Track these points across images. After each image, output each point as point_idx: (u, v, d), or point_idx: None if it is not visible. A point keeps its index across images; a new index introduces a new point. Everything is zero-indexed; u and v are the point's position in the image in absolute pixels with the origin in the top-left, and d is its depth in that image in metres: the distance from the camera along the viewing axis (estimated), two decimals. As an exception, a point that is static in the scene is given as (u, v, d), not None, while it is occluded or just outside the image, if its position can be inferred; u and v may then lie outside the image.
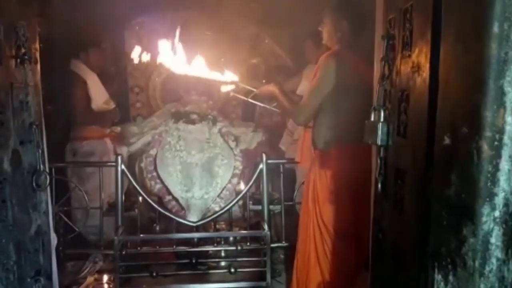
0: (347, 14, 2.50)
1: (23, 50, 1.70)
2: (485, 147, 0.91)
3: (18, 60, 1.68)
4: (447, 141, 1.01)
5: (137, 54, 2.93)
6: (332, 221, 2.43)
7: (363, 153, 1.94)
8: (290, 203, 3.34)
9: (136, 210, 3.13)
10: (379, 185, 1.51)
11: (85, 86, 3.59)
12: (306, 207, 2.57)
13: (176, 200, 3.38)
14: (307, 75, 3.58)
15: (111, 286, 3.06)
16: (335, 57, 2.41)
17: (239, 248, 3.04)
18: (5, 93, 1.57)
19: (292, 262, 3.40)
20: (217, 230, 3.31)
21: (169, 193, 3.41)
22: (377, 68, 1.64)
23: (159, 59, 2.59)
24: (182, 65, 2.57)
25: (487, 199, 0.93)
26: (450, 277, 1.00)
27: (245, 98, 2.89)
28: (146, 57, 3.17)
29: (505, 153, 0.92)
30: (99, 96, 3.66)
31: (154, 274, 2.89)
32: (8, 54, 1.61)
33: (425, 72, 1.14)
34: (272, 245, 3.09)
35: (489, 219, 0.93)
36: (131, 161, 3.62)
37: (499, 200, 0.93)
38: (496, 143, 0.91)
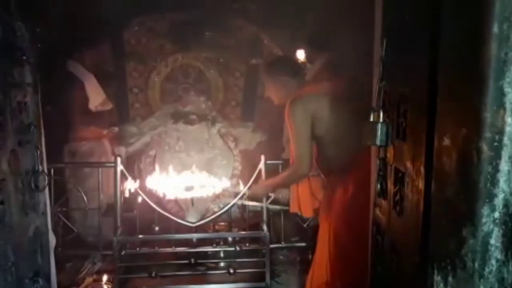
0: (281, 69, 2.66)
1: (21, 51, 1.70)
2: (484, 148, 0.91)
3: (16, 61, 1.67)
4: (446, 141, 1.01)
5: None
6: (350, 229, 2.45)
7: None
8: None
9: (135, 211, 3.13)
10: (378, 186, 1.51)
11: (82, 87, 3.58)
12: (324, 215, 2.60)
13: (175, 200, 3.37)
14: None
15: (110, 286, 3.05)
16: (296, 102, 2.49)
17: (238, 248, 3.04)
18: (3, 94, 1.56)
19: (291, 263, 3.40)
20: (216, 230, 3.31)
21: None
22: (376, 69, 1.63)
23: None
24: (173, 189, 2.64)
25: (487, 200, 0.93)
26: (450, 278, 1.00)
27: (240, 202, 3.00)
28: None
29: (504, 154, 0.91)
30: (96, 97, 3.65)
31: (153, 274, 2.89)
32: (6, 55, 1.61)
33: (424, 73, 1.14)
34: (271, 245, 3.09)
35: (489, 220, 0.93)
36: (130, 161, 3.61)
37: (498, 201, 0.93)
38: (495, 144, 0.91)
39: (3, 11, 1.59)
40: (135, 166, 3.60)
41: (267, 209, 3.09)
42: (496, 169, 0.92)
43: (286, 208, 3.03)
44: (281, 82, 2.64)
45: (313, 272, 2.66)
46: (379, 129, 1.43)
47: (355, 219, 2.40)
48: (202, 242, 3.10)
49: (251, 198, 2.99)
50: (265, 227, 3.04)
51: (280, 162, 3.33)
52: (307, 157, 2.50)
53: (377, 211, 1.58)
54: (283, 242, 3.29)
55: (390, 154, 1.44)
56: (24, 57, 1.71)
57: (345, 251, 2.48)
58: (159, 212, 3.08)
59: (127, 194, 2.64)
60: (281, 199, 3.22)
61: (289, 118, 2.50)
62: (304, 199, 2.75)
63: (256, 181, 3.13)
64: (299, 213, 2.92)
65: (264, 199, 3.03)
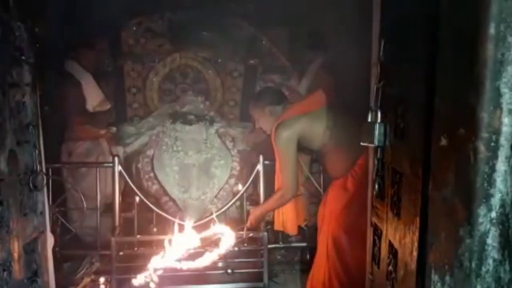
0: (266, 99, 2.73)
1: (20, 51, 1.70)
2: (481, 148, 0.92)
3: (15, 61, 1.67)
4: (443, 142, 1.01)
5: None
6: (348, 231, 2.47)
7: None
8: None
9: (133, 211, 3.12)
10: (376, 187, 1.52)
11: (80, 87, 3.58)
12: (323, 218, 2.62)
13: (173, 201, 3.37)
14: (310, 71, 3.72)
15: (107, 287, 3.05)
16: (280, 127, 2.56)
17: (236, 249, 3.04)
18: (1, 93, 1.56)
19: (289, 263, 3.41)
20: (214, 231, 3.30)
21: (166, 194, 3.40)
22: (374, 70, 1.64)
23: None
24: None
25: (484, 200, 0.93)
26: (447, 278, 1.01)
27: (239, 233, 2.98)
28: None
29: (501, 154, 0.92)
30: (93, 96, 3.64)
31: (151, 275, 2.88)
32: (5, 55, 1.60)
33: (422, 73, 1.15)
34: (269, 246, 3.09)
35: (486, 220, 0.94)
36: (128, 161, 3.60)
37: (495, 201, 0.93)
38: (492, 144, 0.91)
39: (2, 11, 1.59)
40: (133, 166, 3.59)
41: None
42: (493, 169, 0.92)
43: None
44: (268, 111, 2.71)
45: (313, 273, 2.67)
46: (377, 130, 1.44)
47: (353, 221, 2.43)
48: (200, 242, 3.10)
49: (249, 229, 3.02)
50: (263, 227, 3.05)
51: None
52: (293, 181, 2.58)
53: (375, 212, 1.59)
54: (281, 243, 3.30)
55: (387, 155, 1.44)
56: (23, 57, 1.71)
57: (344, 252, 2.50)
58: (157, 213, 3.08)
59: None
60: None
61: (274, 143, 2.55)
62: (289, 217, 2.82)
63: (254, 181, 3.14)
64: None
65: (262, 226, 3.05)
